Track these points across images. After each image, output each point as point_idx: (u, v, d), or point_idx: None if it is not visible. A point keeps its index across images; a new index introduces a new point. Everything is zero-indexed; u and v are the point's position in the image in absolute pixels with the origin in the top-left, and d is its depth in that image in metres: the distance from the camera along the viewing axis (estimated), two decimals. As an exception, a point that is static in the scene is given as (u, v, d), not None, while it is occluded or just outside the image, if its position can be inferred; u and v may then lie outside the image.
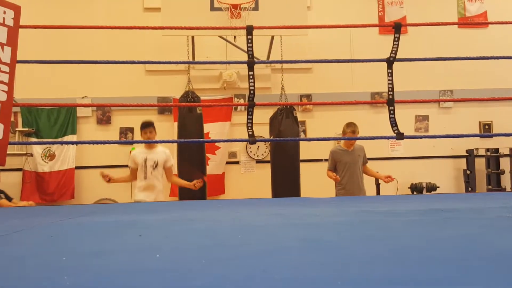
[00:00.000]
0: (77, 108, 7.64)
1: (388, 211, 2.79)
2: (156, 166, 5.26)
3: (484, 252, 1.43)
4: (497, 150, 7.77)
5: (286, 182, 6.37)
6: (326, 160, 5.98)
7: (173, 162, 5.61)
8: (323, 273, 1.18)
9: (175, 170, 5.89)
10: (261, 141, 7.36)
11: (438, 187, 7.50)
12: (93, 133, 7.63)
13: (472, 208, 2.90)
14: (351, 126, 5.71)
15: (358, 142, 5.84)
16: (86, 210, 3.36)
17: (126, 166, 5.64)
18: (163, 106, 7.74)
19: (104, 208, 3.74)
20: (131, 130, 7.69)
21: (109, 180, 5.29)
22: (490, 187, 7.76)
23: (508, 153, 7.67)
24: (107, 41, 7.52)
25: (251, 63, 4.20)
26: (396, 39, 4.35)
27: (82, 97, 7.56)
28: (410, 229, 2.01)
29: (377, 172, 6.02)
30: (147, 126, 5.33)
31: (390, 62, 4.36)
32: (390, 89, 4.33)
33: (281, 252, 1.50)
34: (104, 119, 7.72)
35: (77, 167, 7.55)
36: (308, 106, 7.86)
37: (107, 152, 7.34)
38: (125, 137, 7.68)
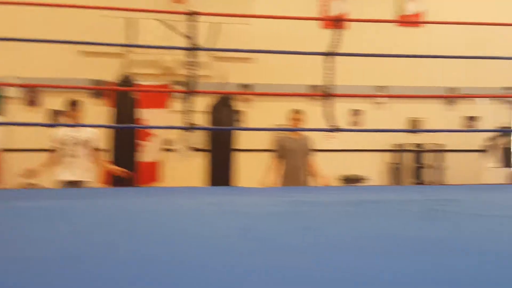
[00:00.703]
0: (5, 88, 7.28)
1: (319, 202, 2.84)
2: (81, 144, 5.09)
3: (407, 240, 1.48)
4: (421, 145, 8.17)
5: (222, 171, 6.37)
6: (266, 150, 5.97)
7: (101, 144, 5.45)
8: (251, 261, 1.19)
9: (107, 157, 5.75)
10: (197, 129, 7.30)
11: (369, 179, 7.75)
12: (22, 115, 7.30)
13: (401, 200, 3.00)
14: (295, 113, 5.78)
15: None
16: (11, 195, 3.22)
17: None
18: (97, 89, 7.51)
19: (32, 193, 3.60)
20: (61, 112, 7.42)
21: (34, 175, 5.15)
22: (414, 180, 8.12)
23: (434, 148, 8.07)
24: (41, 19, 7.19)
25: (191, 50, 4.15)
26: (337, 33, 4.42)
27: (12, 77, 7.22)
28: (341, 220, 2.06)
29: (321, 169, 6.01)
30: (72, 105, 5.19)
31: (329, 55, 4.44)
32: (328, 82, 4.41)
33: (212, 240, 1.49)
34: (33, 101, 7.41)
35: (5, 150, 7.21)
36: (248, 96, 7.87)
37: (37, 134, 7.05)
38: (55, 119, 7.40)
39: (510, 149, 8.15)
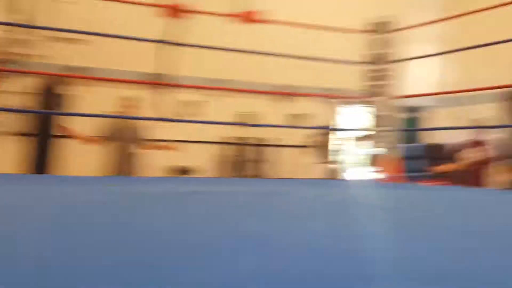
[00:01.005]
0: None
1: (145, 192, 2.72)
2: None
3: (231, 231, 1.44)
4: (246, 139, 8.49)
5: (42, 158, 5.89)
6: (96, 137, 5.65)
7: None
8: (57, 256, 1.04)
9: None
10: (17, 111, 6.68)
11: (201, 170, 7.80)
12: None
13: (226, 191, 3.01)
14: (127, 100, 5.60)
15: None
16: None
17: None
18: None
19: None
20: None
21: None
22: (239, 173, 8.40)
23: (269, 143, 8.44)
24: None
25: (19, 27, 3.72)
26: (172, 23, 4.37)
27: None
28: (163, 213, 1.96)
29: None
30: None
31: (163, 44, 4.34)
32: (161, 71, 4.32)
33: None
34: None
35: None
36: (80, 80, 7.39)
37: None
38: None
39: (327, 146, 8.82)
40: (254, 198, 2.61)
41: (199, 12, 5.39)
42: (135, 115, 5.68)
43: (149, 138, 5.80)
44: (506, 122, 6.91)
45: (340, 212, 2.08)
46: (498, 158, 6.11)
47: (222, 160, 8.37)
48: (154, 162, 7.21)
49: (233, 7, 8.65)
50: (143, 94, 7.32)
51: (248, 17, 8.68)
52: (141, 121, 5.77)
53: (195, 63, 8.05)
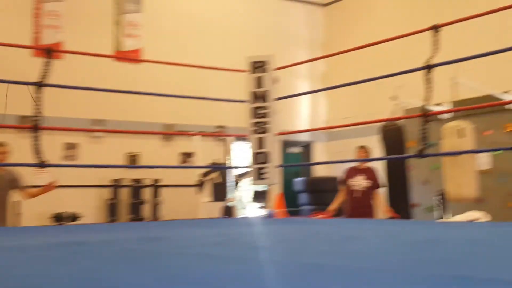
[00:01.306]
0: None
1: (15, 246, 2.54)
2: None
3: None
4: (139, 180, 8.26)
5: None
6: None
7: None
8: None
9: None
10: None
11: (82, 216, 7.43)
12: None
13: (105, 240, 2.89)
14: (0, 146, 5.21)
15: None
16: None
17: None
18: None
19: None
20: None
21: None
22: (132, 216, 8.11)
23: (150, 183, 8.24)
24: None
25: None
26: (47, 63, 4.26)
27: None
28: (32, 266, 1.84)
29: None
30: None
31: (39, 86, 4.19)
32: (37, 113, 4.14)
33: None
34: None
35: None
36: None
37: None
38: None
39: (222, 183, 8.82)
40: (133, 246, 2.53)
41: (83, 54, 5.26)
42: (9, 161, 5.32)
43: (28, 184, 5.45)
44: (382, 154, 7.35)
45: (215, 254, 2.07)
46: (378, 187, 6.37)
47: (110, 203, 8.05)
48: (35, 210, 6.79)
49: (115, 46, 8.54)
50: (20, 138, 6.92)
51: (132, 57, 8.60)
52: (17, 167, 5.42)
53: (77, 104, 7.79)
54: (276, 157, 4.94)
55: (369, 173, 6.24)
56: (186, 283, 1.37)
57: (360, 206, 6.08)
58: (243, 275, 1.46)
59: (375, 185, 6.20)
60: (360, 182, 6.19)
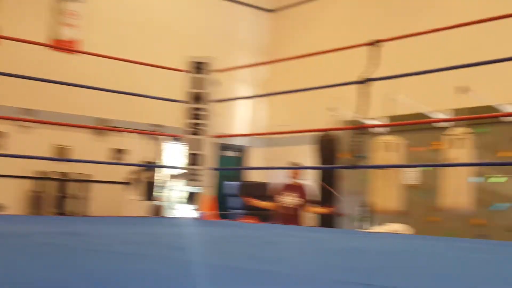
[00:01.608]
0: None
1: None
2: None
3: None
4: (67, 174, 8.01)
5: None
6: None
7: None
8: None
9: None
10: None
11: (7, 207, 7.14)
12: None
13: (22, 233, 2.79)
14: None
15: None
16: None
17: None
18: None
19: None
20: None
21: None
22: (57, 210, 7.85)
23: (78, 178, 8.02)
24: None
25: None
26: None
27: None
28: None
29: None
30: None
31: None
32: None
33: None
34: None
35: None
36: None
37: None
38: None
39: (152, 183, 8.70)
40: (49, 240, 2.45)
41: (16, 40, 5.04)
42: None
43: None
44: (317, 165, 7.50)
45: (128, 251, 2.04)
46: (310, 202, 6.58)
47: (35, 196, 7.75)
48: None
49: (51, 35, 8.25)
50: None
51: (67, 47, 8.33)
52: None
53: (5, 91, 7.46)
54: (210, 160, 4.91)
55: (300, 191, 6.48)
56: (90, 280, 1.33)
57: (290, 219, 6.30)
58: (151, 274, 1.44)
59: (305, 202, 6.46)
60: (290, 200, 6.41)
